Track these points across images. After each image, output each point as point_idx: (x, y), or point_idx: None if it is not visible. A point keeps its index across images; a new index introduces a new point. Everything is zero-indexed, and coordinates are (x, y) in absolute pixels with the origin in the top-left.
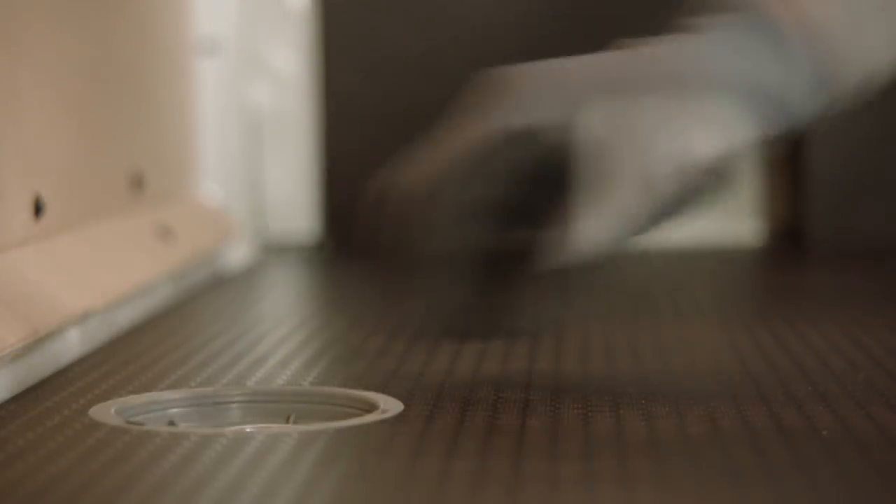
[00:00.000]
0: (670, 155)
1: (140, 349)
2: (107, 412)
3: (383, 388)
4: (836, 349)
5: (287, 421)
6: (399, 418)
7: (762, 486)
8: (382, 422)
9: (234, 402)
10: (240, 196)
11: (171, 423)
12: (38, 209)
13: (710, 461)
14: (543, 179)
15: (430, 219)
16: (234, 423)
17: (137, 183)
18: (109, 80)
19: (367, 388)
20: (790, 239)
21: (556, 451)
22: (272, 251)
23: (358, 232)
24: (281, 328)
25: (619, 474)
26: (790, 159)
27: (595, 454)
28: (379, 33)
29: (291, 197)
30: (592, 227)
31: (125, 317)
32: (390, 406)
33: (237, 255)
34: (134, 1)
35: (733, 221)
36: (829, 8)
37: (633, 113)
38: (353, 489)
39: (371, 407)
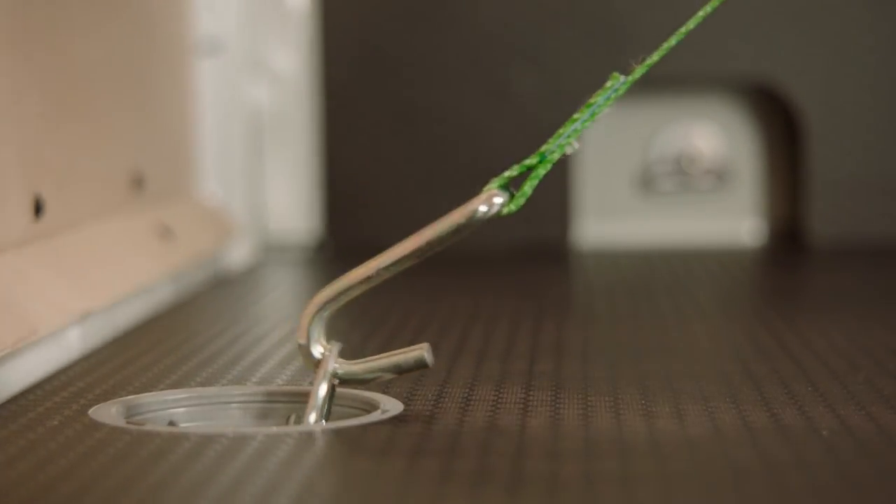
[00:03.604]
0: None
1: (140, 349)
2: (107, 412)
3: (383, 389)
4: (836, 349)
5: (287, 421)
6: (399, 418)
7: (762, 486)
8: (382, 422)
9: (234, 403)
10: (240, 196)
11: (172, 424)
12: (38, 209)
13: (710, 461)
14: None
15: None
16: (235, 424)
17: (137, 183)
18: (109, 80)
19: (367, 389)
20: (790, 239)
21: (556, 451)
22: (272, 251)
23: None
24: (281, 328)
25: (619, 474)
26: (790, 159)
27: (595, 454)
28: (379, 33)
29: (291, 197)
30: None
31: (125, 317)
32: (390, 406)
33: (237, 255)
34: (134, 1)
35: (733, 221)
36: None
37: None
38: (354, 489)
39: (371, 407)
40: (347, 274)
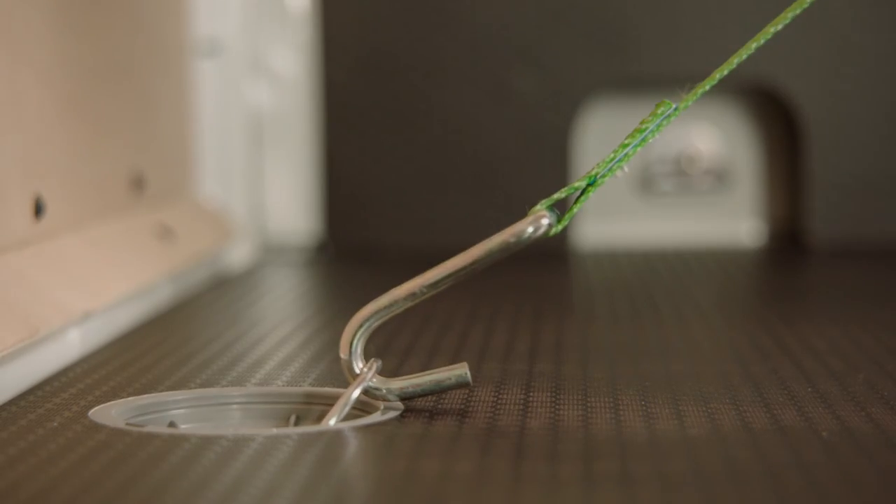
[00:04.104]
0: None
1: (140, 350)
2: (107, 414)
3: None
4: (836, 349)
5: (288, 422)
6: (399, 419)
7: (762, 486)
8: (382, 422)
9: (234, 404)
10: (240, 196)
11: (172, 425)
12: (38, 209)
13: (710, 461)
14: None
15: None
16: (235, 425)
17: (137, 183)
18: (109, 80)
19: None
20: (790, 239)
21: (556, 452)
22: (272, 251)
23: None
24: (281, 329)
25: (619, 475)
26: (790, 160)
27: (595, 455)
28: (379, 34)
29: (291, 197)
30: None
31: (125, 317)
32: (390, 406)
33: (237, 255)
34: (134, 1)
35: (733, 221)
36: None
37: None
38: (354, 490)
39: (371, 407)
40: (391, 291)
